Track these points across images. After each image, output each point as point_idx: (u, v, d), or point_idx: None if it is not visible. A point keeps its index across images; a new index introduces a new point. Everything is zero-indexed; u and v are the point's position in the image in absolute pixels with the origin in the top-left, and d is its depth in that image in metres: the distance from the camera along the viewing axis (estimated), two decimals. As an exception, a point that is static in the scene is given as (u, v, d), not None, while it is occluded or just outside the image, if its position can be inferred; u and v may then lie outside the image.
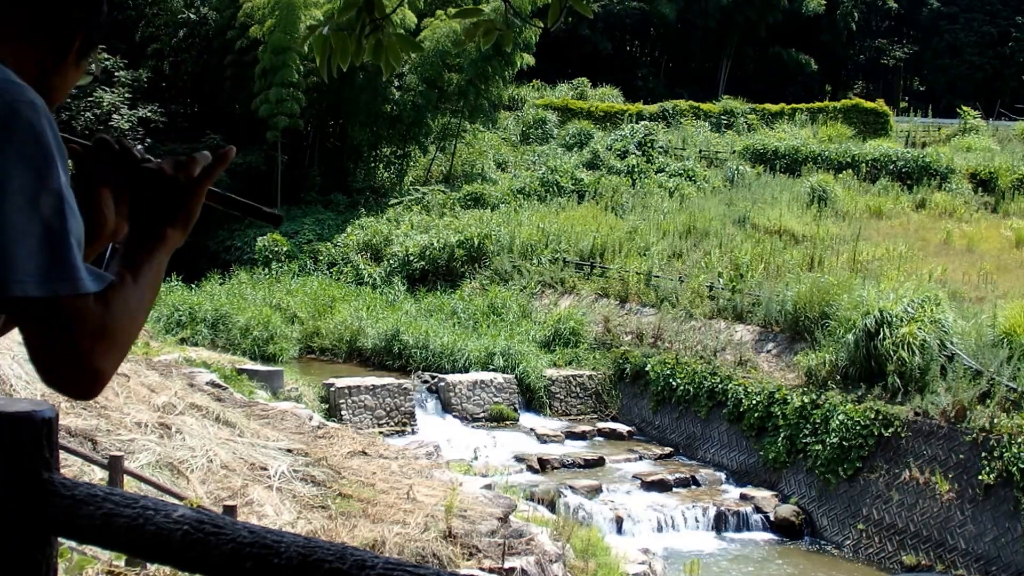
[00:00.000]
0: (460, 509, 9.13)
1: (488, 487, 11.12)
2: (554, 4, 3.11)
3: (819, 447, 15.38)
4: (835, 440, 15.11)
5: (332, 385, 17.24)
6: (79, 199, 1.48)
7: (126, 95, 29.79)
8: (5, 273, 1.22)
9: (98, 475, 7.32)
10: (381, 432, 15.85)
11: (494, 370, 19.12)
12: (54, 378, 1.30)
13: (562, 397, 19.24)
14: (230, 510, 6.68)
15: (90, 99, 28.71)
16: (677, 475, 16.23)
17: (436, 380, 18.76)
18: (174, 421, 9.32)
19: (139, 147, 1.51)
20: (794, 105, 40.29)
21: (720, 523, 15.05)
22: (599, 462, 16.51)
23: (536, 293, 22.72)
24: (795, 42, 56.68)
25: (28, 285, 1.23)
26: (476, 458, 15.22)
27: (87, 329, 1.28)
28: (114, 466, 6.71)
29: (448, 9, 30.63)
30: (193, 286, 24.02)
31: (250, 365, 16.68)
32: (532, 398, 19.16)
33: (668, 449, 17.65)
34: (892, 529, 14.29)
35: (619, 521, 14.42)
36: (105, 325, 1.30)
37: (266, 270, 25.84)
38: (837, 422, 15.16)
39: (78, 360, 1.28)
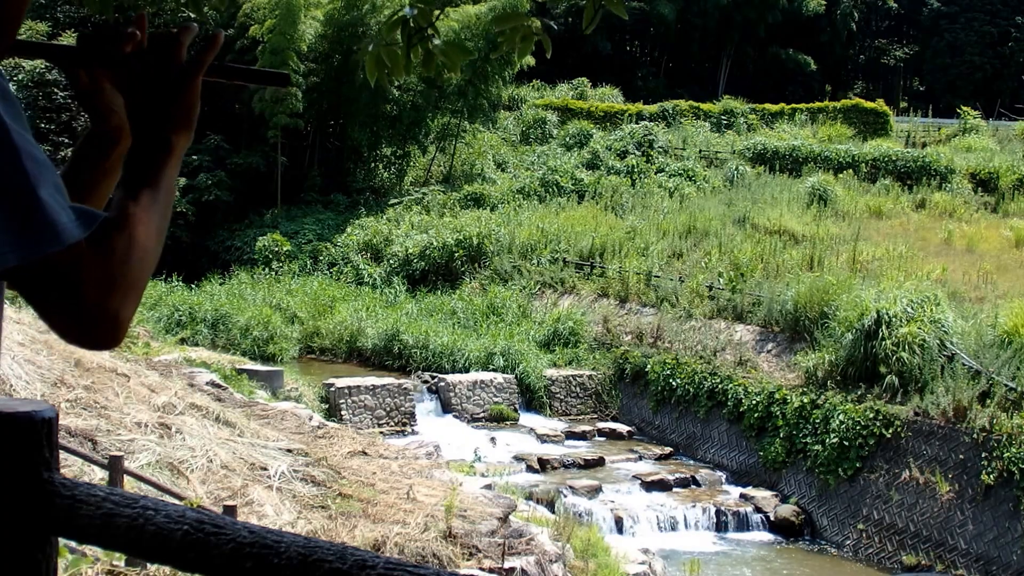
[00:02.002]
0: (460, 509, 9.13)
1: (488, 487, 11.12)
2: (588, 7, 3.08)
3: (819, 447, 15.38)
4: (835, 440, 15.11)
5: (332, 385, 17.24)
6: (86, 108, 1.38)
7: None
8: None
9: (98, 475, 7.32)
10: (381, 432, 15.86)
11: (494, 370, 19.13)
12: (71, 334, 1.22)
13: (562, 397, 19.24)
14: (230, 510, 6.68)
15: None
16: (677, 475, 16.23)
17: (436, 380, 18.76)
18: (174, 421, 9.32)
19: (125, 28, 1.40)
20: (794, 105, 40.29)
21: (720, 523, 15.05)
22: (599, 462, 16.51)
23: (536, 293, 22.73)
24: (795, 42, 56.70)
25: (7, 256, 1.13)
26: (476, 458, 15.22)
27: (90, 277, 1.18)
28: (114, 466, 6.71)
29: (447, 9, 30.64)
30: (193, 286, 24.04)
31: (250, 365, 16.68)
32: (532, 398, 19.16)
33: (668, 449, 17.65)
34: (892, 529, 14.29)
35: (619, 521, 14.42)
36: (110, 268, 1.20)
37: (266, 270, 25.84)
38: (837, 422, 15.16)
39: (89, 310, 1.19)
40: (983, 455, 13.42)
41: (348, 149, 33.24)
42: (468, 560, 8.49)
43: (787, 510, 15.32)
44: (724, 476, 16.69)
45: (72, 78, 1.40)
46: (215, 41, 1.38)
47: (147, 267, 1.26)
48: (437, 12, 3.13)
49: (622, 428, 18.53)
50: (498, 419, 18.24)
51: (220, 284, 24.38)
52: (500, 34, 3.25)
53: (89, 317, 1.20)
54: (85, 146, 1.42)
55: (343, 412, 16.82)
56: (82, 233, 1.18)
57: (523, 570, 8.74)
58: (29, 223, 1.14)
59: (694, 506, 15.15)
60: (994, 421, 13.52)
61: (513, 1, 29.72)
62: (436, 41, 3.10)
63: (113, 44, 1.36)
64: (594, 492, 15.12)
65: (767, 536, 15.09)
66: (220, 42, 1.38)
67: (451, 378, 18.56)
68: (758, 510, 15.33)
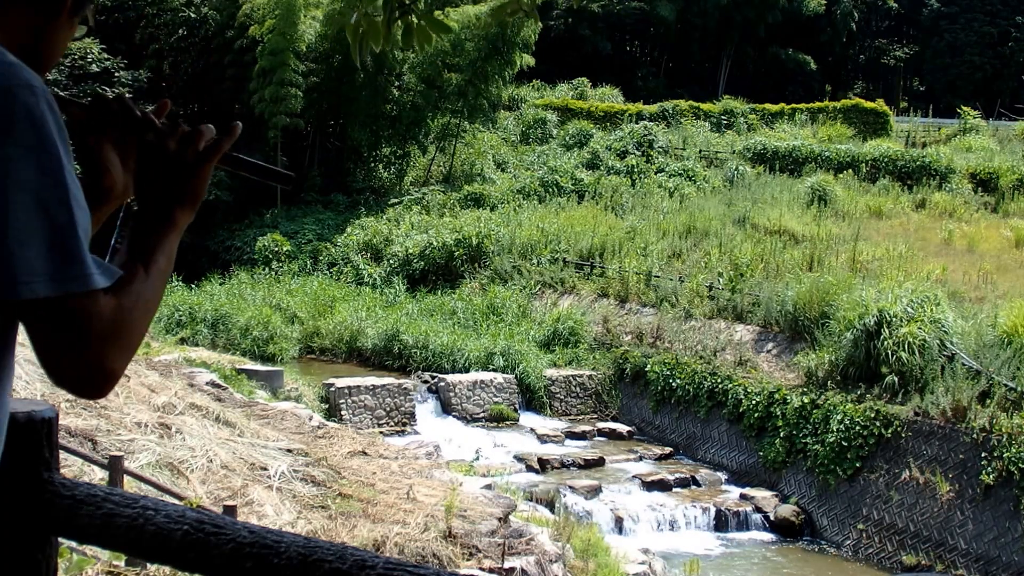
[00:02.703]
0: (460, 509, 9.13)
1: (488, 487, 11.12)
2: None
3: (819, 447, 15.38)
4: (835, 440, 15.11)
5: (332, 385, 17.24)
6: (82, 161, 1.44)
7: (126, 96, 29.81)
8: (12, 275, 1.18)
9: (98, 475, 7.32)
10: (381, 432, 15.85)
11: (494, 370, 19.12)
12: (63, 378, 1.26)
13: (562, 397, 19.24)
14: (230, 510, 6.67)
15: (89, 100, 28.78)
16: (677, 475, 16.23)
17: (436, 380, 18.76)
18: (174, 421, 9.32)
19: (141, 104, 1.45)
20: (794, 105, 40.29)
21: (720, 523, 15.05)
22: (599, 462, 16.50)
23: (536, 293, 22.72)
24: (795, 42, 56.70)
25: (37, 286, 1.18)
26: (476, 458, 15.21)
27: (98, 327, 1.23)
28: (114, 466, 6.70)
29: (447, 8, 30.66)
30: (193, 286, 24.03)
31: (250, 365, 16.68)
32: (532, 398, 19.16)
33: (668, 449, 17.65)
34: (892, 529, 14.29)
35: (619, 521, 14.42)
36: (116, 322, 1.25)
37: (266, 270, 25.84)
38: (837, 422, 15.16)
39: (88, 360, 1.24)
40: (983, 455, 13.42)
41: (348, 149, 33.24)
42: (468, 560, 8.48)
43: (787, 510, 15.32)
44: (724, 476, 16.69)
45: (80, 135, 1.45)
46: (232, 133, 1.47)
47: (145, 327, 1.33)
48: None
49: (622, 428, 18.52)
50: (498, 419, 18.24)
51: (220, 284, 24.37)
52: (492, 10, 3.28)
53: (87, 365, 1.25)
54: None
55: (343, 412, 16.82)
56: (104, 283, 1.24)
57: (523, 570, 8.74)
58: (63, 260, 1.20)
59: (694, 506, 15.15)
60: (994, 421, 13.51)
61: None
62: (417, 13, 3.11)
63: (124, 112, 1.44)
64: (594, 492, 15.12)
65: (767, 536, 15.09)
66: (237, 133, 1.47)
67: (451, 378, 18.55)
68: (758, 510, 15.33)
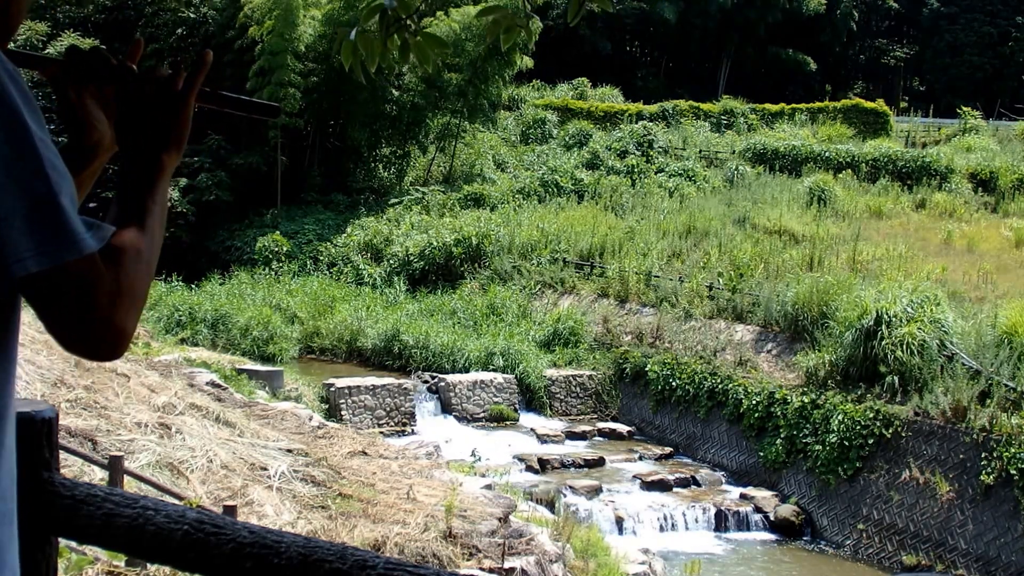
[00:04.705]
0: (460, 509, 9.13)
1: (488, 487, 11.11)
2: (573, 1, 3.08)
3: (819, 447, 15.38)
4: (835, 440, 15.11)
5: (332, 385, 17.24)
6: (66, 119, 1.42)
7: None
8: (3, 256, 1.17)
9: (98, 475, 7.32)
10: (381, 432, 15.86)
11: (494, 370, 19.12)
12: (76, 345, 1.25)
13: (562, 397, 19.24)
14: (230, 510, 6.67)
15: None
16: (677, 475, 16.23)
17: (436, 380, 18.76)
18: (174, 421, 9.32)
19: (118, 57, 1.42)
20: (794, 105, 40.29)
21: (720, 523, 15.05)
22: (599, 462, 16.51)
23: (536, 293, 22.72)
24: (795, 42, 56.67)
25: (29, 262, 1.18)
26: (476, 458, 15.21)
27: (101, 289, 1.22)
28: (114, 466, 6.70)
29: (448, 9, 30.65)
30: (193, 286, 24.04)
31: (250, 365, 16.68)
32: (532, 398, 19.16)
33: (668, 449, 17.65)
34: (892, 529, 14.29)
35: (619, 521, 14.42)
36: (119, 281, 1.24)
37: (266, 270, 25.84)
38: (837, 422, 15.16)
39: (97, 322, 1.23)
40: (983, 455, 13.42)
41: (348, 149, 33.23)
42: (468, 560, 8.48)
43: (787, 510, 15.32)
44: (724, 476, 16.69)
45: (59, 91, 1.43)
46: (204, 61, 1.42)
47: (149, 279, 1.31)
48: (418, 3, 3.10)
49: (622, 428, 18.52)
50: (498, 419, 18.24)
51: (220, 284, 24.38)
52: (487, 27, 3.24)
53: (98, 329, 1.23)
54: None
55: (343, 412, 16.82)
56: (97, 244, 1.22)
57: (523, 570, 8.74)
58: (50, 231, 1.18)
59: (694, 506, 15.15)
60: (994, 421, 13.51)
61: (514, 1, 29.70)
62: (415, 30, 3.07)
63: (100, 63, 1.40)
64: (594, 492, 15.12)
65: (767, 536, 15.09)
66: (209, 61, 1.42)
67: (451, 378, 18.55)
68: (758, 510, 15.33)
